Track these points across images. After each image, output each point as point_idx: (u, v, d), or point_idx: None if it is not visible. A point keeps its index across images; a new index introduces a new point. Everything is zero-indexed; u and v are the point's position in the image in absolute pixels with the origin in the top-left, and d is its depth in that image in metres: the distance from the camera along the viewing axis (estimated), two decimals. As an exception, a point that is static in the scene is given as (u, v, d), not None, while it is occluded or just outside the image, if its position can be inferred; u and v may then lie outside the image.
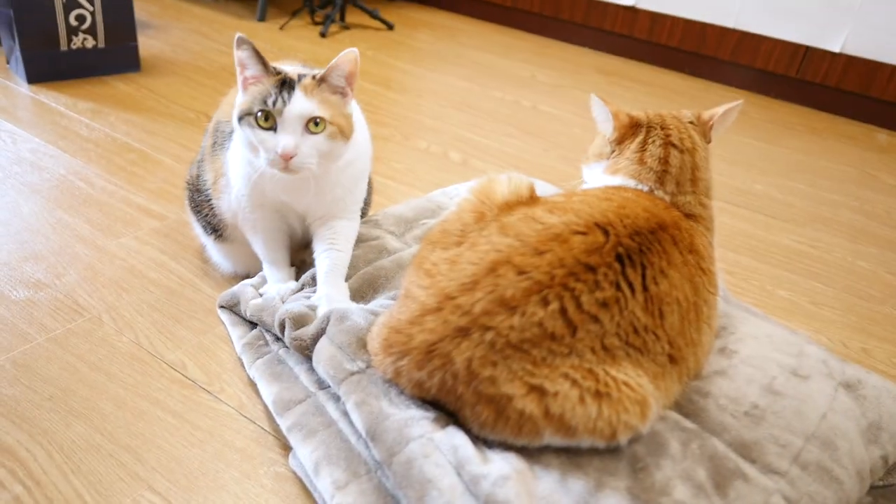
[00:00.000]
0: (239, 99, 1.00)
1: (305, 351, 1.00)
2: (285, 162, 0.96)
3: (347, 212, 1.16)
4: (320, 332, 0.99)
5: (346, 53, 0.99)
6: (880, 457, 0.91)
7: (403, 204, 1.39)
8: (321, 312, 1.03)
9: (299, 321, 1.02)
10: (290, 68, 1.03)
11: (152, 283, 1.26)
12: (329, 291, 1.07)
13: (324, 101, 0.99)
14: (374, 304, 1.07)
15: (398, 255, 1.21)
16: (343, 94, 1.02)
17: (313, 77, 0.99)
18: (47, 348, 1.08)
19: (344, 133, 1.01)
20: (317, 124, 0.97)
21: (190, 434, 0.96)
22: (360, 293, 1.14)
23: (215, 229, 1.22)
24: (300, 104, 0.96)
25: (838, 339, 1.35)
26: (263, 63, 0.97)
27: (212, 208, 1.19)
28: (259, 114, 0.96)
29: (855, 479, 0.86)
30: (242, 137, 1.00)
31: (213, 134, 1.17)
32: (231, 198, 1.13)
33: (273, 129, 0.96)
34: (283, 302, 1.09)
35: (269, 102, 0.95)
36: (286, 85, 0.97)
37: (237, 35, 0.97)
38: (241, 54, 0.97)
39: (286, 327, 1.03)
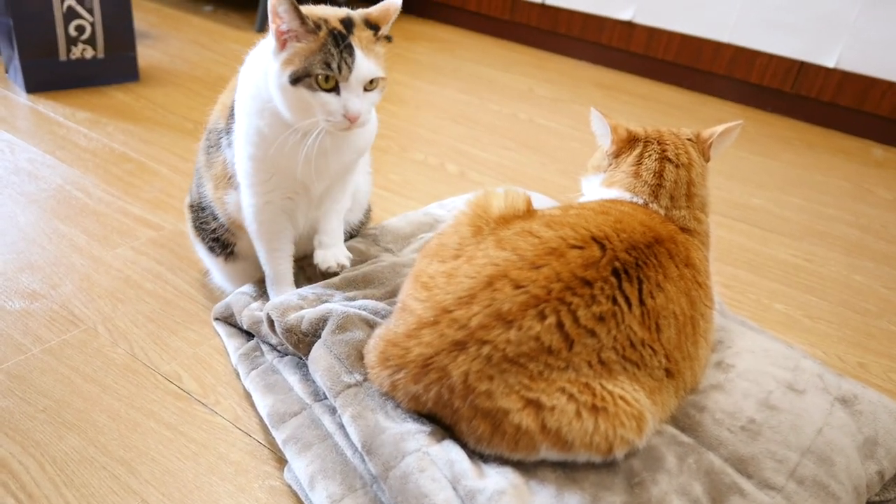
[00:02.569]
0: (277, 55, 0.94)
1: (299, 345, 1.00)
2: (350, 122, 0.95)
3: (353, 176, 1.16)
4: (315, 330, 0.99)
5: (395, 5, 0.99)
6: (876, 472, 0.91)
7: (401, 217, 1.39)
8: (323, 267, 1.10)
9: (286, 310, 1.02)
10: (320, 9, 0.98)
11: (148, 293, 1.26)
12: (327, 228, 1.13)
13: (378, 57, 0.97)
14: (360, 303, 1.07)
15: (394, 260, 1.22)
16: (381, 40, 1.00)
17: (365, 25, 0.96)
18: (42, 359, 1.08)
19: (386, 80, 1.00)
20: (372, 82, 0.97)
21: (184, 447, 0.95)
22: (354, 284, 1.14)
23: (224, 245, 1.20)
24: (365, 67, 0.94)
25: (834, 354, 1.35)
26: (301, 18, 0.92)
27: (217, 219, 1.17)
28: (320, 76, 0.93)
29: (851, 494, 0.86)
30: (290, 99, 0.94)
31: (205, 141, 1.16)
32: (240, 194, 1.09)
33: (334, 90, 0.94)
34: None
35: (334, 66, 0.92)
36: (342, 43, 0.92)
37: (274, 3, 0.91)
38: (280, 8, 0.91)
39: (274, 320, 1.02)
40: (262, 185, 1.06)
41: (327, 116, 0.95)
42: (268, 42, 0.97)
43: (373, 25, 0.98)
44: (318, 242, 1.13)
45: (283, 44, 0.93)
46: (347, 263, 1.13)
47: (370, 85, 0.96)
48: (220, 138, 1.11)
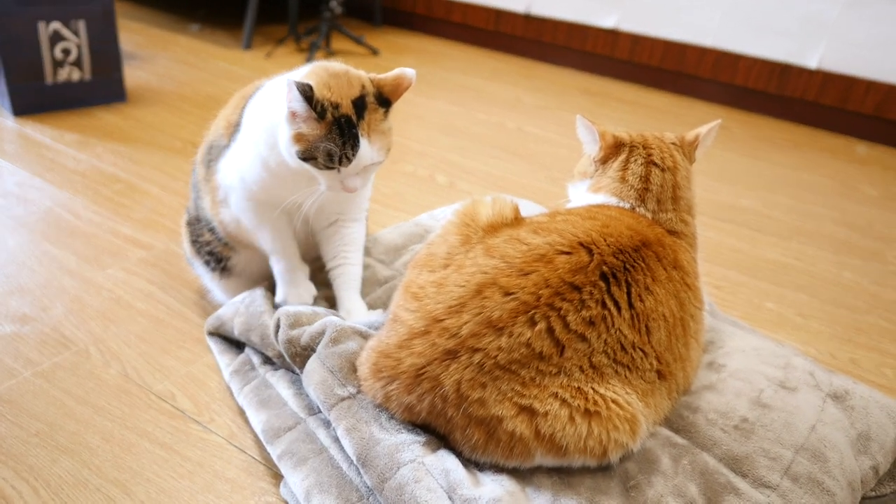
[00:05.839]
0: (288, 123, 0.95)
1: (296, 358, 1.00)
2: (347, 192, 1.00)
3: (356, 213, 1.17)
4: (312, 344, 0.99)
5: (409, 78, 0.99)
6: (871, 467, 0.91)
7: (392, 228, 1.40)
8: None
9: (296, 321, 1.02)
10: (337, 80, 0.97)
11: (140, 313, 1.26)
12: (350, 307, 1.12)
13: (382, 139, 0.98)
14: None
15: (389, 284, 1.22)
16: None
17: (377, 103, 0.97)
18: (34, 383, 1.07)
19: (390, 150, 1.02)
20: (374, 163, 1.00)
21: (179, 466, 0.95)
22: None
23: (219, 260, 1.20)
24: (367, 157, 0.97)
25: (826, 351, 1.36)
26: (310, 103, 0.93)
27: (213, 232, 1.18)
28: (322, 163, 0.96)
29: (846, 490, 0.87)
30: (296, 165, 0.97)
31: (206, 155, 1.16)
32: (231, 204, 1.10)
33: (336, 168, 0.97)
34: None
35: (335, 160, 0.95)
36: (347, 132, 0.94)
37: (291, 81, 0.91)
38: (291, 93, 0.92)
39: (280, 326, 1.01)
40: (262, 194, 1.07)
41: (327, 187, 0.99)
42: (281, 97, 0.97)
43: (385, 101, 0.99)
44: (341, 303, 1.14)
45: (293, 115, 0.95)
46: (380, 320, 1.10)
47: (373, 165, 0.99)
48: (221, 156, 1.12)
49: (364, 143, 0.96)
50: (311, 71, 0.99)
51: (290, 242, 1.14)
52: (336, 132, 0.94)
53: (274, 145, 1.01)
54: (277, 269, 1.14)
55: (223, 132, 1.13)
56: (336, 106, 0.94)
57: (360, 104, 0.96)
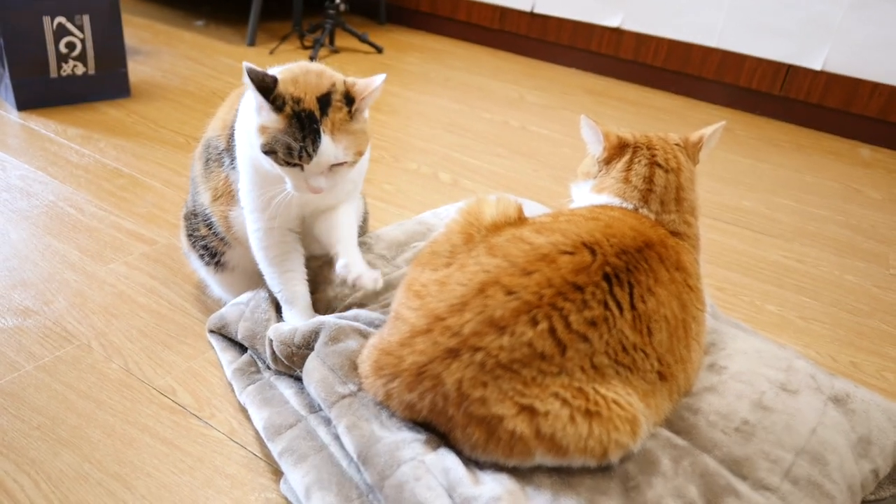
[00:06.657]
0: (256, 113, 0.95)
1: (293, 358, 1.00)
2: (314, 193, 0.97)
3: (351, 198, 1.15)
4: (308, 342, 0.99)
5: (378, 84, 0.96)
6: (871, 471, 0.91)
7: (395, 226, 1.40)
8: (350, 278, 1.02)
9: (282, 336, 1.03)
10: (306, 77, 0.96)
11: (142, 308, 1.26)
12: (347, 260, 1.05)
13: (350, 139, 0.95)
14: (352, 313, 1.07)
15: (386, 278, 1.21)
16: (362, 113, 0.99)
17: (343, 102, 0.95)
18: (35, 376, 1.07)
19: (363, 153, 1.00)
20: (342, 163, 0.96)
21: (180, 461, 0.95)
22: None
23: (213, 255, 1.20)
24: (330, 154, 0.93)
25: (827, 354, 1.36)
26: (267, 94, 0.92)
27: (210, 227, 1.18)
28: (281, 157, 0.94)
29: (846, 493, 0.87)
30: (265, 160, 0.97)
31: (204, 153, 1.16)
32: (244, 218, 1.10)
33: (299, 166, 0.94)
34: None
35: (295, 154, 0.92)
36: (308, 127, 0.92)
37: (247, 67, 0.90)
38: (245, 79, 0.91)
39: (273, 342, 1.03)
40: (263, 211, 1.06)
41: (293, 186, 0.97)
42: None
43: (351, 100, 0.96)
44: (338, 256, 1.06)
45: (259, 106, 0.94)
46: (380, 279, 1.04)
47: (340, 166, 0.96)
48: (222, 156, 1.12)
49: (326, 140, 0.93)
50: (287, 67, 0.99)
51: (302, 285, 1.12)
52: (296, 126, 0.92)
53: (252, 142, 0.99)
54: (283, 301, 1.12)
55: (220, 132, 1.13)
56: (297, 100, 0.93)
57: (325, 101, 0.94)
